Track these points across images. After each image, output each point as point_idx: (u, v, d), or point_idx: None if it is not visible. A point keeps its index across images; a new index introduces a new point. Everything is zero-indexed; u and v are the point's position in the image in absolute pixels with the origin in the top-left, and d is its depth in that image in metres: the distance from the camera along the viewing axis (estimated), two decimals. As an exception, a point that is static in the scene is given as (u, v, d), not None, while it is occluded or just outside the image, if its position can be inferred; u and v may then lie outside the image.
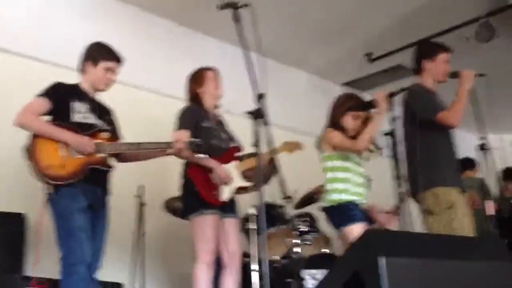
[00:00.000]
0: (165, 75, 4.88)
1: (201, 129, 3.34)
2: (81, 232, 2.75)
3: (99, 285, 2.93)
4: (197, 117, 3.38)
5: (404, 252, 1.88)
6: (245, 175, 3.49)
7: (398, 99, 3.33)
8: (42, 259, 2.81)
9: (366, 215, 3.38)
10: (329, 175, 3.37)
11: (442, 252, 1.93)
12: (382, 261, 1.69)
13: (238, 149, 3.55)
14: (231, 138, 3.58)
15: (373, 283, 1.69)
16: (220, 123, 3.59)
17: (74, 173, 2.79)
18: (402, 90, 3.28)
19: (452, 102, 3.30)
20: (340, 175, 3.34)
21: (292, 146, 3.77)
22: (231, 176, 3.35)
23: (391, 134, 3.08)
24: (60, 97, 2.92)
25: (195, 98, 3.49)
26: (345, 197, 3.28)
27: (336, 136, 3.34)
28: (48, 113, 2.90)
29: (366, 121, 3.38)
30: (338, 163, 3.37)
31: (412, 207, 3.14)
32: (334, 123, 3.41)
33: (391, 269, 1.72)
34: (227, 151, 3.46)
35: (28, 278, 3.01)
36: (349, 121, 3.40)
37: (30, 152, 2.73)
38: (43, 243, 2.82)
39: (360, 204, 3.35)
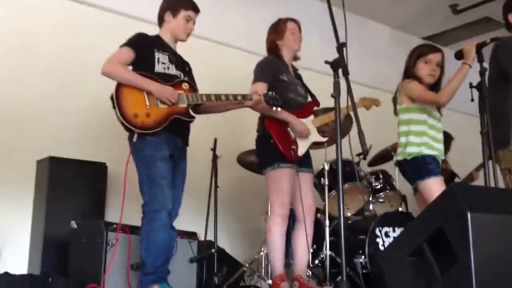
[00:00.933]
0: (241, 28, 4.84)
1: (279, 81, 3.29)
2: (163, 179, 2.81)
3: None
4: (276, 70, 3.33)
5: (490, 208, 1.79)
6: (321, 130, 3.43)
7: (488, 50, 3.11)
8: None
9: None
10: (404, 128, 3.25)
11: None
12: (469, 217, 1.60)
13: (315, 104, 3.49)
14: (308, 93, 3.51)
15: (458, 238, 1.62)
16: (298, 77, 3.53)
17: (159, 122, 2.83)
18: (493, 39, 3.05)
19: None
20: (415, 128, 3.20)
21: (369, 103, 3.66)
22: (308, 129, 3.30)
23: (478, 87, 2.89)
24: (144, 47, 2.95)
25: (274, 49, 3.42)
26: (425, 151, 3.14)
27: (416, 87, 3.18)
28: (132, 63, 2.94)
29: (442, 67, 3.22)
30: (415, 116, 3.22)
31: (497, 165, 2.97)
32: (410, 73, 3.25)
33: (477, 225, 1.64)
34: (304, 105, 3.40)
35: (110, 224, 3.14)
36: (422, 67, 3.24)
37: (117, 100, 2.78)
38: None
39: (438, 160, 3.21)
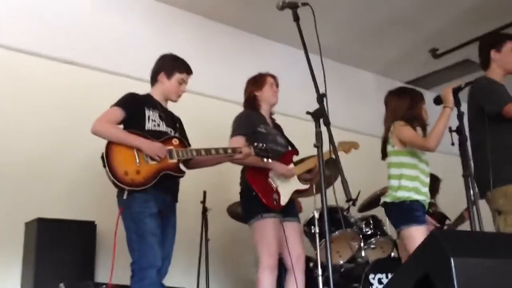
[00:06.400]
0: (226, 79, 4.93)
1: (257, 133, 3.35)
2: (152, 236, 2.80)
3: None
4: (253, 122, 3.40)
5: (474, 252, 1.79)
6: (303, 178, 3.46)
7: (464, 94, 3.19)
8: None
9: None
10: (396, 171, 3.25)
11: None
12: (454, 262, 1.61)
13: (294, 152, 3.53)
14: (288, 142, 3.56)
15: (444, 284, 1.61)
16: (277, 128, 3.59)
17: (149, 178, 2.85)
18: (468, 84, 3.13)
19: None
20: (409, 172, 3.21)
21: (348, 146, 3.71)
22: (289, 169, 3.34)
23: (458, 130, 2.94)
24: (134, 107, 3.01)
25: (252, 101, 3.50)
26: (414, 196, 3.15)
27: (409, 132, 3.21)
28: (122, 122, 2.98)
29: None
30: (407, 159, 3.24)
31: (483, 206, 2.97)
32: (408, 115, 3.28)
33: (462, 270, 1.64)
34: (284, 154, 3.44)
35: (99, 284, 3.10)
36: (423, 110, 3.34)
37: (107, 159, 2.80)
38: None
39: (425, 204, 3.22)
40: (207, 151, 3.03)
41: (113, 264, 2.81)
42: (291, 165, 3.44)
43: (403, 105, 3.31)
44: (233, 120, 3.43)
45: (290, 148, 3.56)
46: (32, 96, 4.00)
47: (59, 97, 4.11)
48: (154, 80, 3.18)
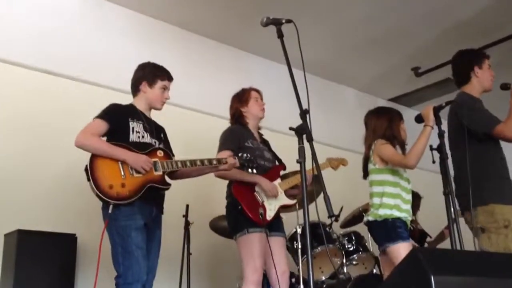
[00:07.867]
0: (209, 93, 4.95)
1: (245, 148, 3.35)
2: (138, 250, 2.78)
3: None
4: (240, 137, 3.41)
5: (454, 270, 1.82)
6: (290, 193, 3.47)
7: (445, 113, 3.23)
8: (92, 278, 2.83)
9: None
10: (378, 189, 3.28)
11: (493, 270, 1.86)
12: (434, 280, 1.63)
13: (281, 167, 3.54)
14: (275, 157, 3.57)
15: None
16: (264, 143, 3.60)
17: (135, 191, 2.82)
18: (448, 103, 3.18)
19: (508, 115, 3.16)
20: (390, 190, 3.24)
21: (337, 163, 3.74)
22: (276, 187, 3.35)
23: (439, 149, 2.99)
24: (118, 118, 2.99)
25: (239, 117, 3.51)
26: (396, 213, 3.18)
27: (388, 150, 3.25)
28: (106, 134, 2.96)
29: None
30: (388, 177, 3.27)
31: (463, 225, 3.01)
32: (387, 134, 3.32)
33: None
34: (271, 169, 3.45)
35: (79, 297, 3.06)
36: (403, 130, 3.39)
37: (91, 172, 2.77)
38: (95, 263, 2.83)
39: (407, 222, 3.25)
40: (192, 162, 3.03)
41: (96, 276, 2.78)
42: (278, 180, 3.44)
43: (382, 125, 3.36)
44: (220, 136, 3.44)
45: (277, 163, 3.56)
46: (10, 106, 3.94)
47: (39, 107, 4.06)
48: (135, 90, 3.17)
